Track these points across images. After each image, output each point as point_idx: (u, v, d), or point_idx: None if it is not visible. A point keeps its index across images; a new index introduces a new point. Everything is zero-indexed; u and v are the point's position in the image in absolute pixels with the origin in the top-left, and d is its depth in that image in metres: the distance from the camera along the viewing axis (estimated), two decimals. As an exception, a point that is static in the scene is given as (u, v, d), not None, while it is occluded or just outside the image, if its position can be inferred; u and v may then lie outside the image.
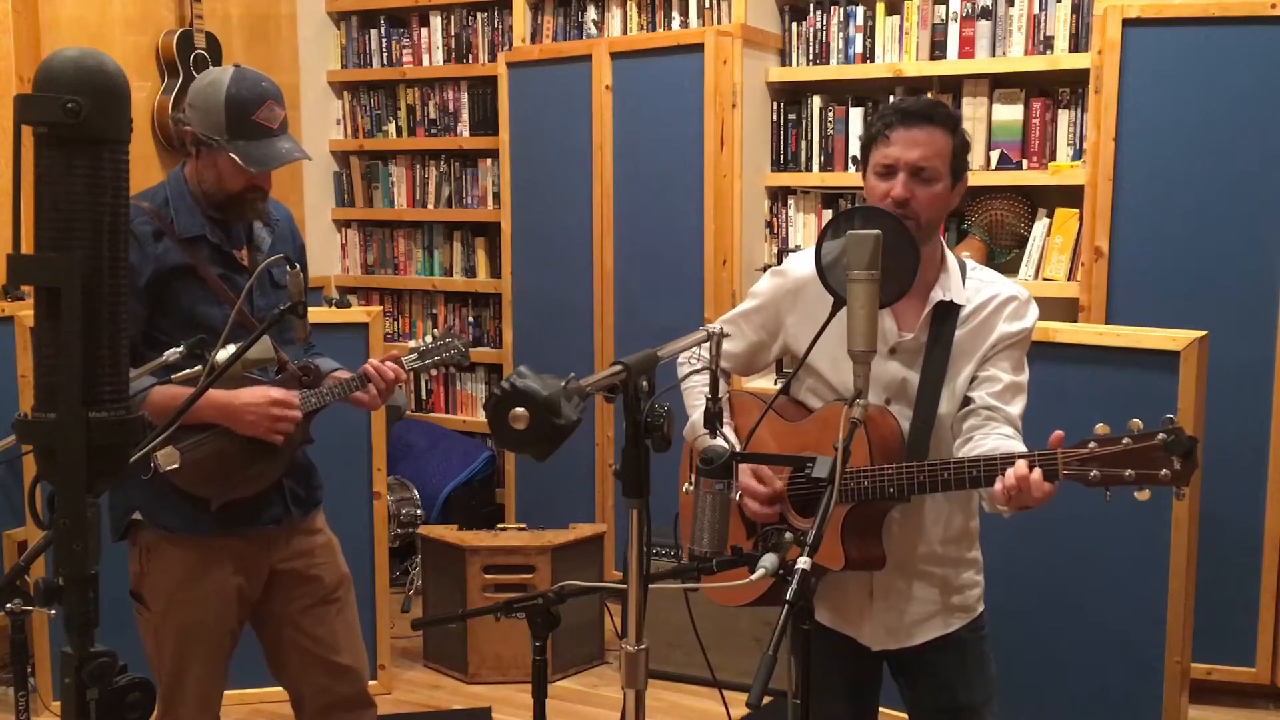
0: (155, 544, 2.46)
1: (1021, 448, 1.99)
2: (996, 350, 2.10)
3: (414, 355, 2.70)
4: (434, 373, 2.72)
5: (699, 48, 4.09)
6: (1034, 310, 2.15)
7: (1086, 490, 1.88)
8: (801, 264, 2.19)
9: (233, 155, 2.34)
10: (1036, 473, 1.84)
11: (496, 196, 4.98)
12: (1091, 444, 1.84)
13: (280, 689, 2.70)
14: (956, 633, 2.19)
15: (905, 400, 2.11)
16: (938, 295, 2.10)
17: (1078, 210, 3.79)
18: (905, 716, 2.30)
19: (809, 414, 2.19)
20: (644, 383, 1.57)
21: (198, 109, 2.38)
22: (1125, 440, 1.82)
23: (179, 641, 2.46)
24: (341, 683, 2.61)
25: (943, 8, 4.11)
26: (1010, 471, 1.86)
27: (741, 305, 2.31)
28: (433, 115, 5.21)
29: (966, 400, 2.10)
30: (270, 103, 2.39)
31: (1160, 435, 1.80)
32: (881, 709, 2.33)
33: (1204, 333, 2.99)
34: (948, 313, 2.11)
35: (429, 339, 2.75)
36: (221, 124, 2.35)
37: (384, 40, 5.26)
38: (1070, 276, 3.90)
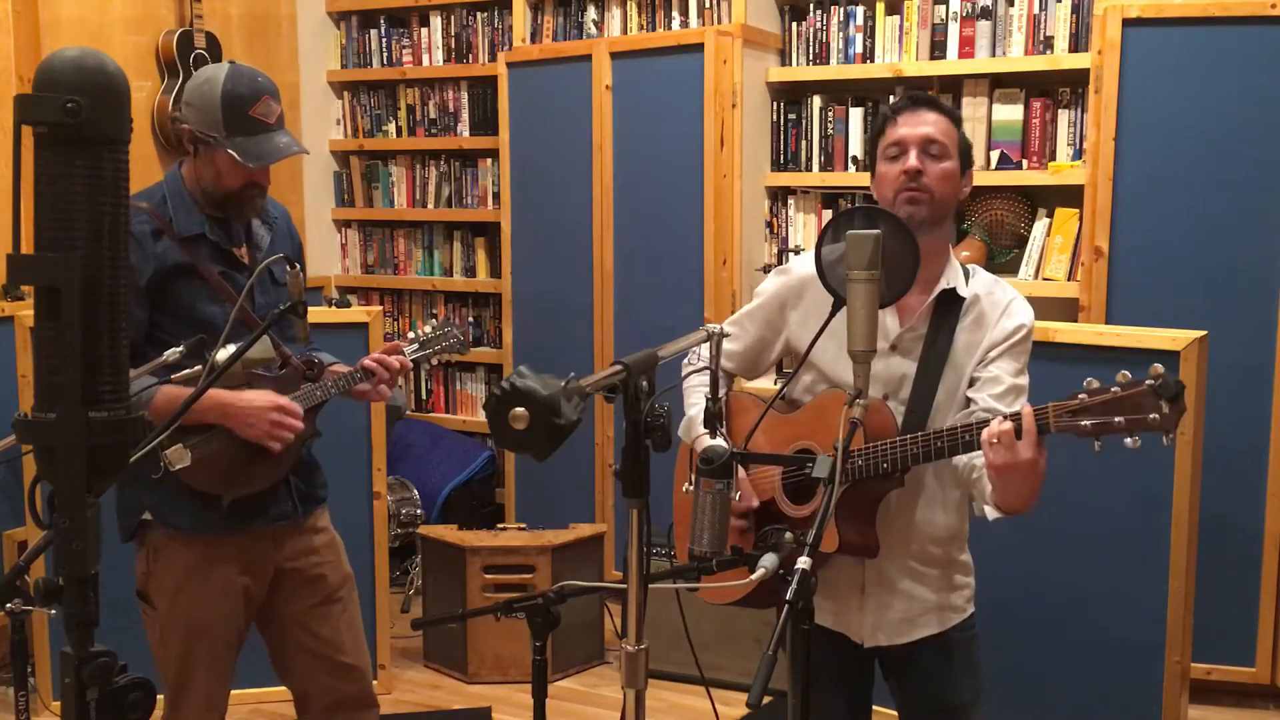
0: (163, 544, 2.45)
1: None
2: (999, 350, 2.11)
3: (414, 346, 2.70)
4: (434, 362, 2.72)
5: (699, 48, 4.09)
6: (1030, 309, 2.16)
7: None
8: (805, 263, 2.20)
9: (231, 151, 2.34)
10: (1026, 424, 1.85)
11: (496, 196, 4.98)
12: (1081, 395, 1.86)
13: (281, 688, 2.70)
14: (946, 633, 2.19)
15: (902, 397, 2.12)
16: (942, 285, 2.11)
17: (1078, 210, 3.79)
18: (897, 715, 2.30)
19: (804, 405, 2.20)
20: (644, 383, 1.57)
21: (194, 107, 2.38)
22: (1114, 389, 1.85)
23: (185, 641, 2.46)
24: (346, 682, 2.61)
25: (943, 8, 4.11)
26: (996, 420, 1.87)
27: (746, 306, 2.33)
28: (433, 115, 5.21)
29: (968, 401, 2.11)
30: (266, 98, 2.39)
31: (1148, 381, 1.82)
32: (876, 708, 2.33)
33: (1204, 333, 2.99)
34: (951, 302, 2.12)
35: (428, 329, 2.75)
36: (219, 121, 2.35)
37: (384, 40, 5.26)
38: (1070, 276, 3.89)
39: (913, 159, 2.06)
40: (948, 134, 2.09)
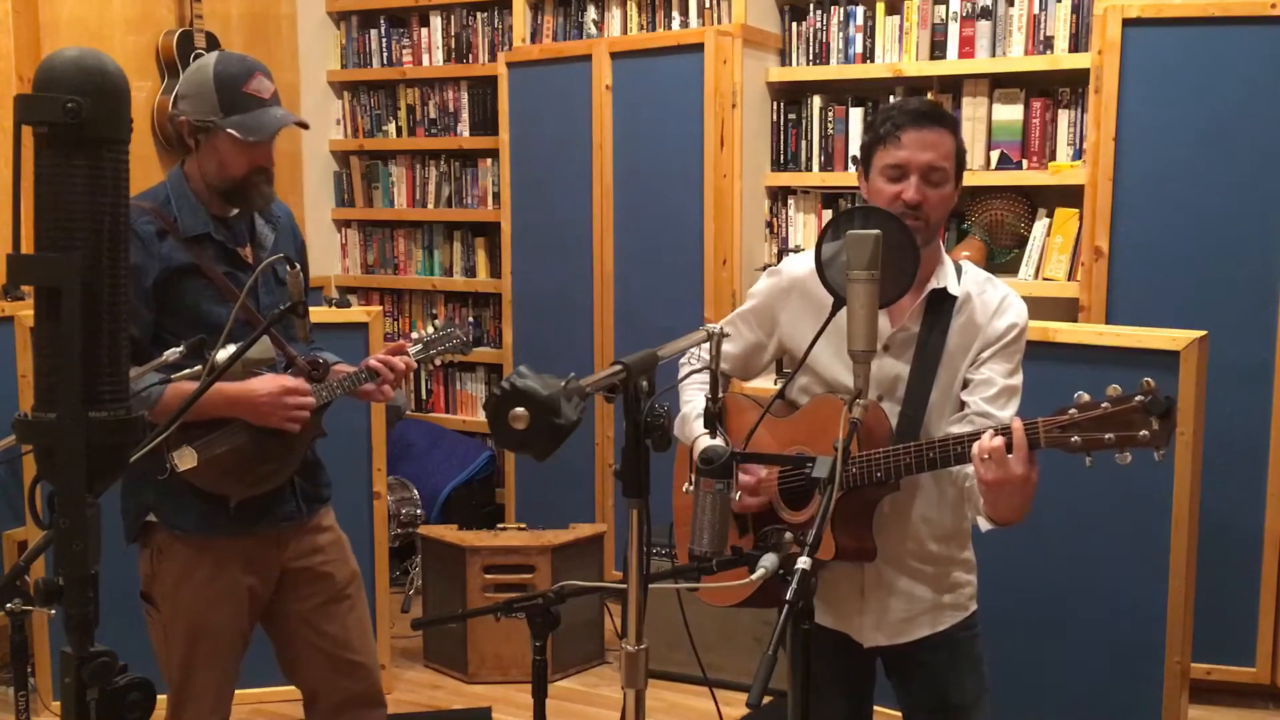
0: (167, 545, 2.45)
1: None
2: (991, 351, 2.10)
3: (418, 346, 2.71)
4: (436, 363, 2.73)
5: (699, 48, 4.09)
6: (1023, 307, 2.16)
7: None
8: (797, 264, 2.21)
9: (230, 130, 2.34)
10: (1016, 440, 1.84)
11: (496, 196, 4.98)
12: (1071, 410, 1.85)
13: (284, 688, 2.70)
14: (948, 631, 2.19)
15: (897, 397, 2.12)
16: (932, 285, 2.11)
17: (1078, 210, 3.79)
18: (899, 715, 2.30)
19: (798, 410, 2.20)
20: (644, 383, 1.57)
21: (189, 97, 2.38)
22: (1104, 405, 1.84)
23: (189, 643, 2.45)
24: (355, 680, 2.60)
25: (943, 8, 4.11)
26: (986, 435, 1.86)
27: (740, 307, 2.33)
28: (433, 115, 5.21)
29: (961, 404, 2.10)
30: (258, 74, 2.39)
31: (1138, 398, 1.81)
32: (877, 708, 2.33)
33: (1204, 333, 2.99)
34: (942, 302, 2.11)
35: (431, 329, 2.75)
36: (214, 103, 2.35)
37: (384, 40, 5.26)
38: (1070, 276, 3.89)
39: (913, 189, 2.03)
40: (949, 155, 2.06)
